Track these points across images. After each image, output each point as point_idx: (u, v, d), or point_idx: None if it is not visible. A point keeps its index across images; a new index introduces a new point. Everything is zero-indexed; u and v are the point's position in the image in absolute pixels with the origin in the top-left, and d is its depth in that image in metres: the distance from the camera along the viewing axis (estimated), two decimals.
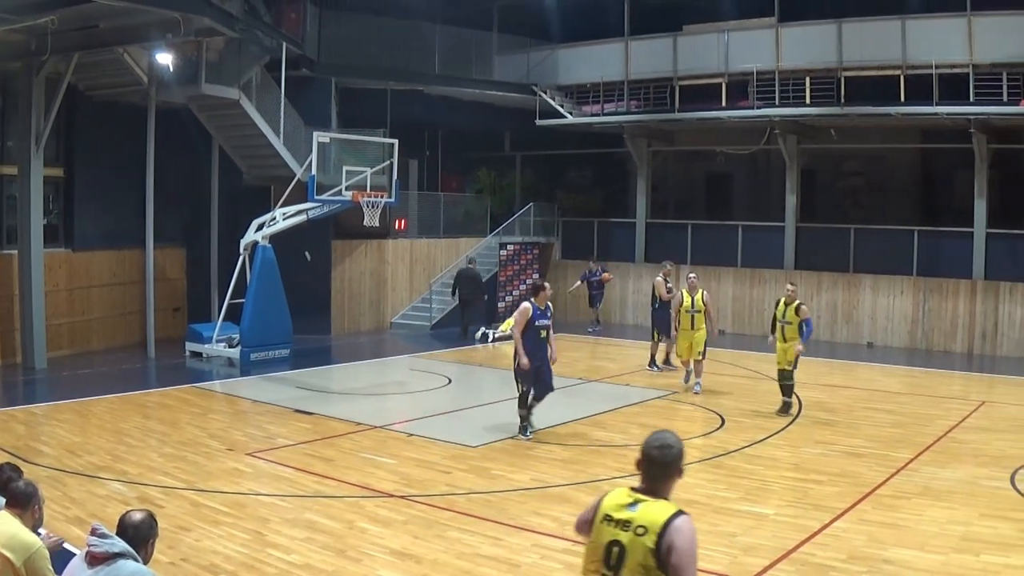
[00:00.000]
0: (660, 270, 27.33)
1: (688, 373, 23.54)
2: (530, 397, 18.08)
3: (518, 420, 18.16)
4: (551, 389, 18.32)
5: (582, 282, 34.90)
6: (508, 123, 40.42)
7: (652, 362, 26.49)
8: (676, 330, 23.51)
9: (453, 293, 34.09)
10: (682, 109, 34.05)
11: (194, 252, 31.68)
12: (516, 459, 16.48)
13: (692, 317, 22.95)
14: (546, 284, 18.90)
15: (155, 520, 7.14)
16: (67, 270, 27.13)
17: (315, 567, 11.09)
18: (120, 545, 6.80)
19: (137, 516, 7.09)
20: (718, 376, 25.09)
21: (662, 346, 26.57)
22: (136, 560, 6.85)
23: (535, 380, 17.89)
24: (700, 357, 22.99)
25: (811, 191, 36.36)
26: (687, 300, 23.07)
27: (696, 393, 22.46)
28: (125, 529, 6.97)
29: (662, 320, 25.90)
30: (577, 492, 14.35)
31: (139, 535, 6.96)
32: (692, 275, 23.83)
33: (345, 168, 25.81)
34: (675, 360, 25.36)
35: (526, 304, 18.04)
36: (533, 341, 17.77)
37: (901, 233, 32.23)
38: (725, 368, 26.33)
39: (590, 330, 33.86)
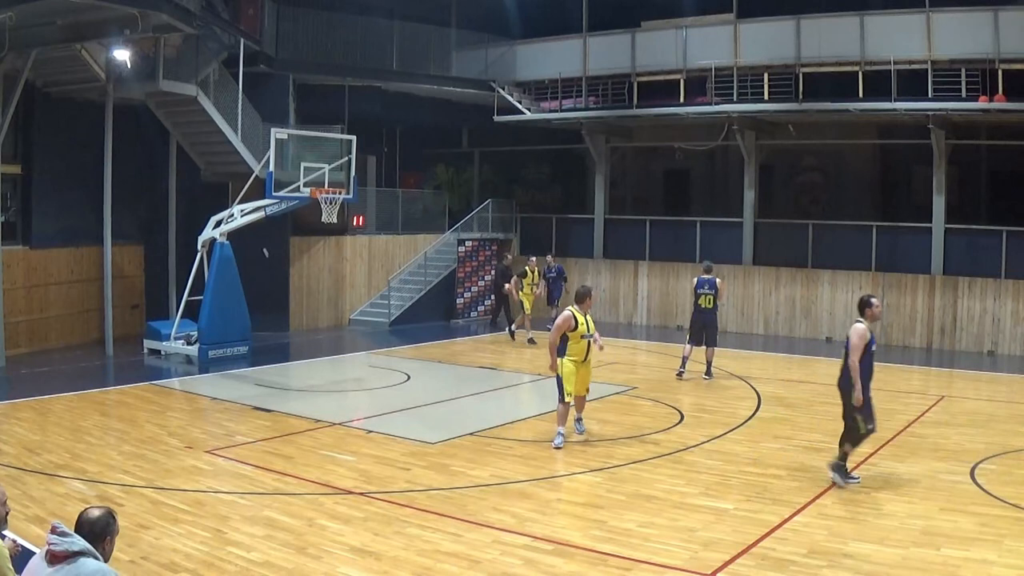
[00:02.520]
0: (709, 271, 25.35)
1: (577, 421, 18.16)
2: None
3: (839, 459, 14.95)
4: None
5: (544, 279, 34.53)
6: (466, 119, 40.49)
7: (710, 371, 24.78)
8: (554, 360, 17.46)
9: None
10: (640, 105, 34.14)
11: (152, 249, 31.47)
12: (475, 455, 16.48)
13: (588, 345, 17.47)
14: (874, 299, 15.36)
15: (113, 516, 7.12)
16: (25, 268, 26.94)
17: (275, 564, 11.07)
18: (80, 543, 6.78)
19: (94, 512, 7.08)
20: (675, 372, 25.13)
21: (692, 349, 24.74)
22: (97, 558, 6.82)
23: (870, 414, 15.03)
24: (586, 392, 17.90)
25: (769, 187, 36.50)
26: (582, 322, 17.30)
27: (580, 433, 17.89)
28: (82, 526, 6.96)
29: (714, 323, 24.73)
30: (537, 488, 14.38)
31: (95, 531, 6.95)
32: (598, 289, 18.67)
33: (303, 164, 25.65)
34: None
35: (861, 326, 15.01)
36: (868, 369, 15.05)
37: (860, 229, 32.40)
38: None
39: (549, 327, 33.68)
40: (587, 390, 17.91)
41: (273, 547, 11.62)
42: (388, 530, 12.37)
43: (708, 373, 24.54)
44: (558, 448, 16.90)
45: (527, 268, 31.67)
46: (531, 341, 30.27)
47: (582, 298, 17.67)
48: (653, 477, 15.12)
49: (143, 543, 11.55)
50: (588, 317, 17.53)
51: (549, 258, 33.93)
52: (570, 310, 17.39)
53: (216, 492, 14.09)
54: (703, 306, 24.47)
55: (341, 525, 12.57)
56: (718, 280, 24.40)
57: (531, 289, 31.38)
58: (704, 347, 24.44)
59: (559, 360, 17.35)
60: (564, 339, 17.31)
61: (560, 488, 14.49)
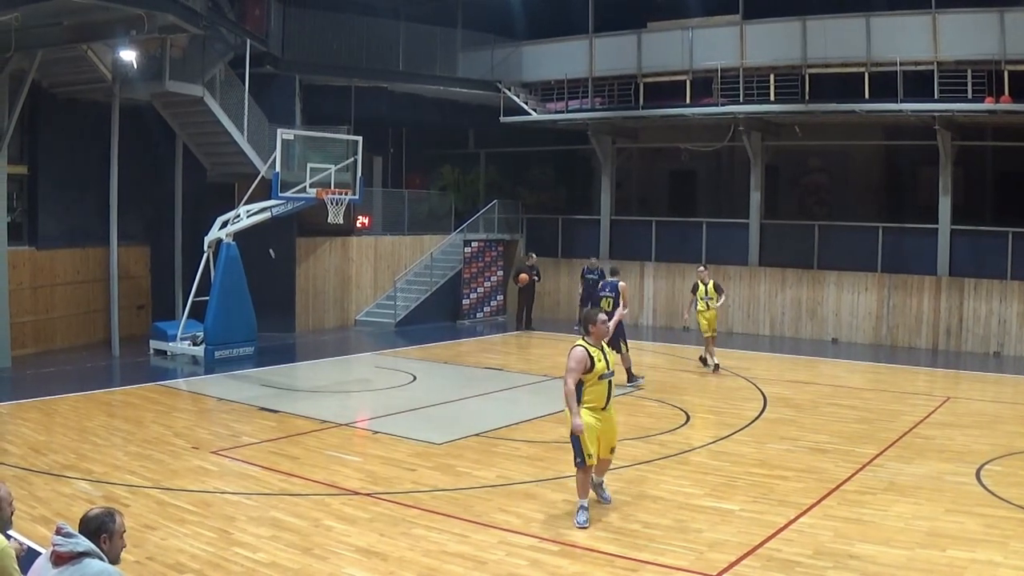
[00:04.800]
0: (615, 274, 24.74)
1: (599, 486, 13.95)
2: None
3: None
4: None
5: (583, 279, 34.23)
6: (472, 120, 40.46)
7: (633, 377, 23.47)
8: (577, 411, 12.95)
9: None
10: (646, 106, 34.06)
11: (158, 250, 31.54)
12: (481, 456, 16.49)
13: (609, 385, 13.30)
14: None
15: (112, 515, 7.12)
16: (31, 268, 26.97)
17: (281, 565, 11.09)
18: (85, 544, 6.81)
19: (93, 511, 7.14)
20: (682, 372, 25.16)
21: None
22: (101, 559, 6.84)
23: None
24: (611, 454, 13.74)
25: (775, 188, 36.47)
26: (598, 358, 13.11)
27: (605, 502, 13.77)
28: (80, 525, 7.00)
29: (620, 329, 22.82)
30: (542, 488, 14.37)
31: (90, 529, 6.98)
32: (602, 317, 13.47)
33: (309, 165, 25.70)
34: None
35: None
36: None
37: (865, 230, 32.35)
38: (688, 364, 26.39)
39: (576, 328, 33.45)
40: (613, 451, 13.67)
41: (279, 548, 11.64)
42: (394, 531, 12.40)
43: (630, 379, 23.27)
44: (582, 527, 12.73)
45: (698, 280, 26.50)
46: (716, 368, 25.62)
47: (590, 325, 13.39)
48: (659, 478, 15.11)
49: (149, 544, 11.57)
50: (605, 348, 13.40)
51: (593, 260, 33.84)
52: (581, 345, 13.10)
53: (222, 493, 14.11)
54: (605, 309, 23.81)
55: (347, 526, 12.60)
56: (621, 283, 23.48)
57: (706, 304, 25.85)
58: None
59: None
60: (579, 383, 13.03)
61: (566, 489, 14.39)
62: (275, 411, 20.06)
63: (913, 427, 18.87)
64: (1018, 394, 23.43)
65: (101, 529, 7.04)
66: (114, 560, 7.03)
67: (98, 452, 16.29)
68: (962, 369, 27.17)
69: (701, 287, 25.52)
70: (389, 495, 14.04)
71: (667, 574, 11.03)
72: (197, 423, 19.12)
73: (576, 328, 31.53)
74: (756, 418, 19.78)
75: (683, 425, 19.13)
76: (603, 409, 13.13)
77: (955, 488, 14.43)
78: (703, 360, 26.06)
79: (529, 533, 12.16)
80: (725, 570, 11.06)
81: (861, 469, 15.53)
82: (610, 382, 13.22)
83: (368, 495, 14.03)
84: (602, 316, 13.47)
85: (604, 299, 23.68)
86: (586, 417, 12.91)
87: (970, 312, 29.71)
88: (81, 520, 7.05)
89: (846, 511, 13.24)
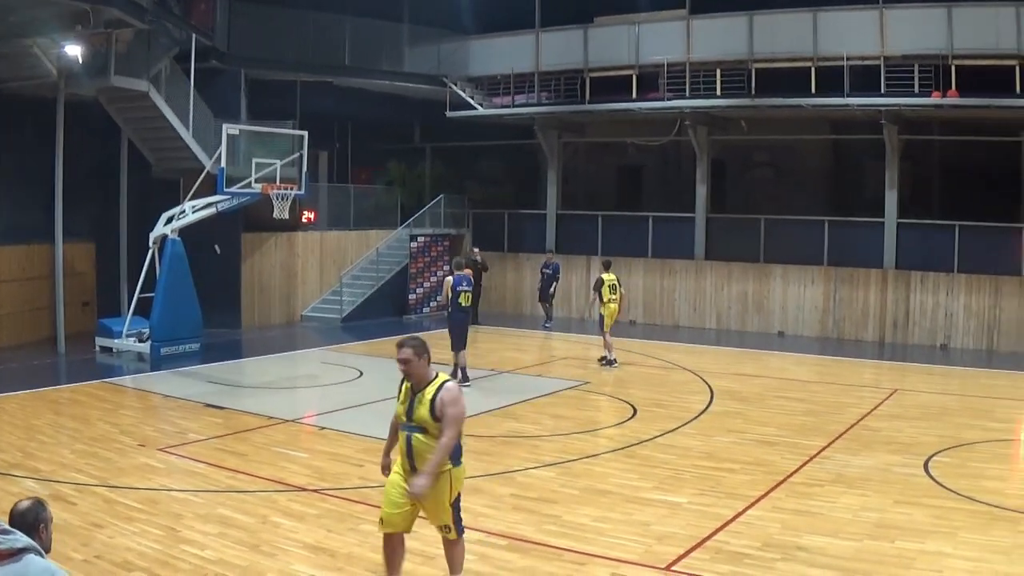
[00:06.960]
0: (460, 268, 23.78)
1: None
2: None
3: None
4: None
5: (541, 274, 34.83)
6: (418, 115, 40.53)
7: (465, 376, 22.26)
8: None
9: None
10: (592, 101, 34.17)
11: (103, 246, 31.25)
12: None
13: (409, 443, 9.73)
14: None
15: (43, 504, 7.05)
16: None
17: (229, 562, 11.00)
18: (24, 540, 6.70)
19: (23, 504, 7.02)
20: (629, 366, 25.17)
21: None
22: (42, 555, 6.76)
23: None
24: (449, 532, 9.98)
25: (721, 182, 36.60)
26: (401, 399, 10.20)
27: None
28: (14, 519, 6.90)
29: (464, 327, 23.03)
30: (490, 483, 14.31)
31: (28, 522, 6.88)
32: (402, 355, 10.11)
33: (254, 160, 25.63)
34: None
35: None
36: None
37: (812, 223, 32.51)
38: (635, 358, 26.41)
39: (546, 326, 33.66)
40: (448, 529, 9.97)
41: (227, 545, 11.55)
42: (342, 527, 12.33)
43: (466, 378, 22.27)
44: None
45: (603, 277, 25.76)
46: (609, 362, 25.36)
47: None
48: (606, 471, 15.14)
49: (96, 542, 11.46)
50: (424, 394, 9.89)
51: (549, 253, 34.04)
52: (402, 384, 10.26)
53: (169, 490, 14.00)
54: (464, 304, 22.85)
55: (295, 522, 12.51)
56: (447, 279, 22.93)
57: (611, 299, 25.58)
58: (463, 350, 22.76)
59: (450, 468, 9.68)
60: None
61: (513, 483, 14.43)
62: (222, 408, 19.92)
63: (860, 419, 18.98)
64: (965, 386, 23.62)
65: (38, 520, 6.96)
66: (47, 549, 6.96)
67: (45, 450, 16.14)
68: (909, 361, 27.32)
69: (605, 281, 25.46)
70: (336, 491, 13.98)
71: (616, 567, 11.02)
72: (143, 420, 18.96)
73: (546, 325, 31.90)
74: (703, 411, 19.85)
75: (630, 419, 19.15)
76: (410, 471, 9.61)
77: (903, 480, 14.53)
78: (610, 362, 25.47)
79: (477, 528, 12.09)
80: (674, 563, 11.07)
81: (809, 461, 15.61)
82: (411, 438, 9.67)
83: (315, 491, 13.96)
84: (403, 353, 9.99)
85: (464, 294, 22.86)
86: (393, 471, 9.97)
87: (917, 305, 29.93)
88: (15, 514, 6.94)
89: (794, 503, 13.30)
